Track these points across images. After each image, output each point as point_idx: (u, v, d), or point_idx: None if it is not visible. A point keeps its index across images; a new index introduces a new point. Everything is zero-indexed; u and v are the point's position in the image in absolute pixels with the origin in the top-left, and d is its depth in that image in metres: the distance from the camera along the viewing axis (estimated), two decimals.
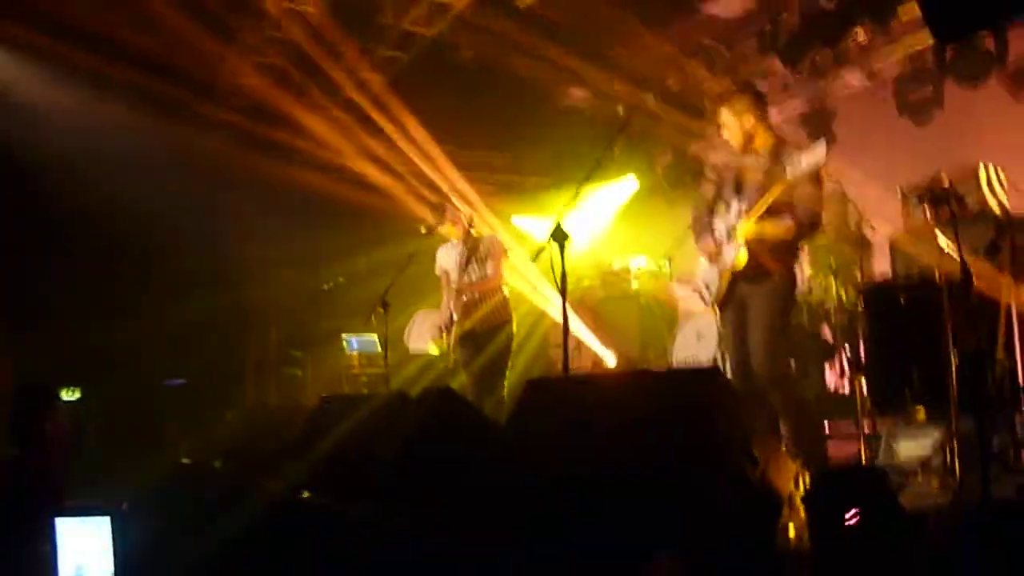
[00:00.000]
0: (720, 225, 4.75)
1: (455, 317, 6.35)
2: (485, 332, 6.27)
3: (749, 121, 4.68)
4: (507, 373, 6.29)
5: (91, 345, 8.00)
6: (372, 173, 10.76)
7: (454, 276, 6.43)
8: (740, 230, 4.59)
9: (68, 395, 7.95)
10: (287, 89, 9.35)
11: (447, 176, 10.35)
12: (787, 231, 4.54)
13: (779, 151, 4.58)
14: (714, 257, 4.75)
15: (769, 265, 4.57)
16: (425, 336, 7.54)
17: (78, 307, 8.35)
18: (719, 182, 4.83)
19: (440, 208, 6.52)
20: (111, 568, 2.96)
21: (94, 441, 7.36)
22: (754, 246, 4.57)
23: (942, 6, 4.42)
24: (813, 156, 4.27)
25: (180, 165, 8.87)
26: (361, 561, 2.96)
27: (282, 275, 9.76)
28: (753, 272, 4.59)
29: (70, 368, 8.02)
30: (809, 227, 4.60)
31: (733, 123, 4.72)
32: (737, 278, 4.65)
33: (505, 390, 6.21)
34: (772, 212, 4.53)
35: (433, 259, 6.66)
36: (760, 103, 4.83)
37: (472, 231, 6.47)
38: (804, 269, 6.31)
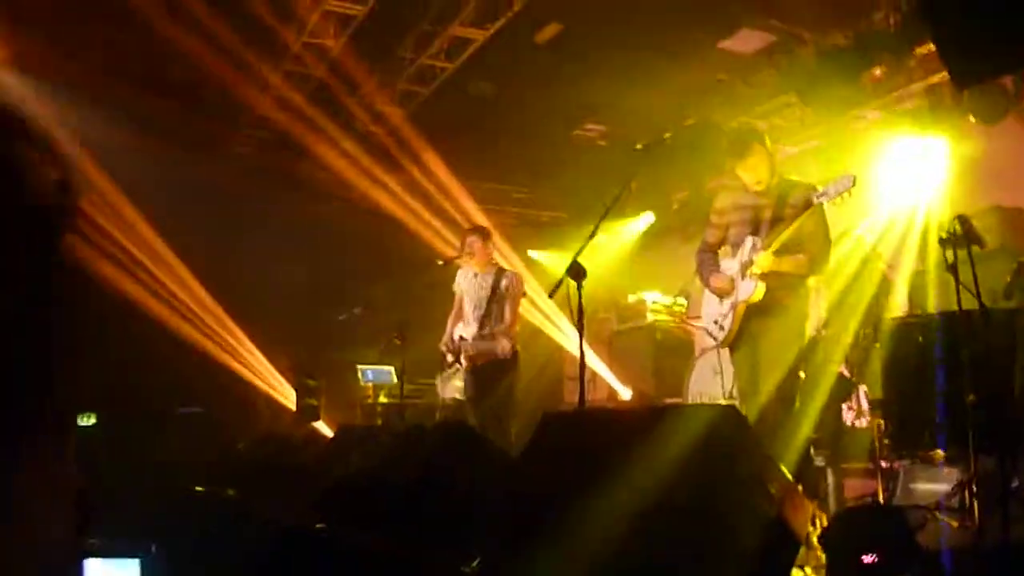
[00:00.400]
0: (732, 264, 4.79)
1: (460, 339, 6.37)
2: (493, 371, 6.28)
3: (776, 157, 4.77)
4: (513, 411, 6.29)
5: (106, 370, 8.02)
6: (390, 205, 10.84)
7: (468, 304, 6.43)
8: (759, 263, 4.62)
9: (84, 420, 7.97)
10: (307, 122, 9.44)
11: (465, 209, 10.42)
12: (799, 266, 4.64)
13: (787, 187, 4.71)
14: (726, 292, 4.76)
15: (784, 300, 4.63)
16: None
17: (92, 329, 8.38)
18: (726, 225, 4.90)
19: (463, 241, 6.55)
20: None
21: (107, 468, 7.37)
22: (769, 282, 4.63)
23: (961, 54, 4.46)
24: (843, 183, 4.40)
25: (199, 195, 8.95)
26: None
27: (298, 304, 9.81)
28: (767, 307, 4.65)
29: (85, 392, 8.04)
30: (821, 262, 4.71)
31: (766, 160, 4.75)
32: (751, 313, 4.68)
33: (513, 428, 6.21)
34: (785, 248, 4.61)
35: (449, 289, 6.68)
36: (762, 138, 4.92)
37: (496, 260, 6.51)
38: (820, 307, 6.29)
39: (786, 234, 4.55)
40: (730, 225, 4.87)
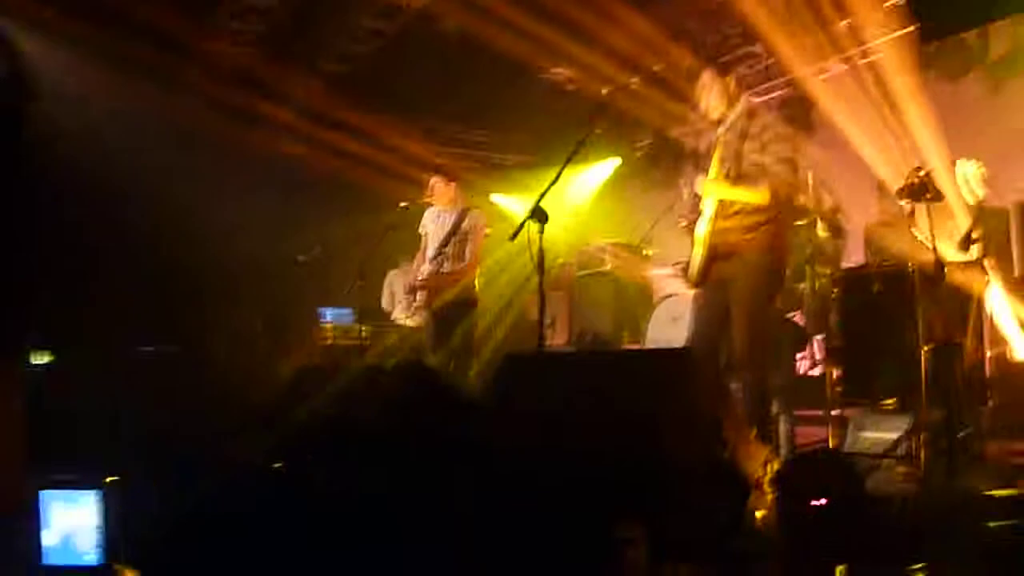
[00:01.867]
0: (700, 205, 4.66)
1: (422, 281, 6.36)
2: (454, 311, 6.27)
3: (731, 84, 4.58)
4: (473, 352, 6.31)
5: (62, 309, 7.92)
6: (352, 145, 10.70)
7: (434, 242, 6.41)
8: (701, 187, 4.46)
9: (39, 359, 7.87)
10: (267, 58, 9.26)
11: (428, 150, 10.31)
12: (761, 195, 4.37)
13: (754, 112, 4.56)
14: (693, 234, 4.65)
15: (744, 241, 4.43)
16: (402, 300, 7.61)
17: (50, 269, 8.25)
18: (706, 168, 4.75)
19: (426, 180, 6.50)
20: (98, 540, 2.96)
21: (63, 405, 7.30)
22: (732, 221, 4.45)
23: (931, 5, 4.46)
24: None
25: (157, 131, 8.77)
26: (332, 532, 2.97)
27: (258, 244, 9.69)
28: (730, 249, 4.46)
29: (39, 331, 7.93)
30: (785, 190, 4.42)
31: (717, 85, 4.57)
32: (715, 256, 4.49)
33: (473, 370, 6.22)
34: (745, 178, 4.41)
35: (413, 229, 6.65)
36: (731, 72, 4.76)
37: (459, 201, 6.47)
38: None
39: (716, 155, 4.39)
40: (707, 166, 4.70)
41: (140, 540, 2.84)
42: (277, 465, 3.52)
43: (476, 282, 6.36)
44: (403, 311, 6.80)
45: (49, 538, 3.01)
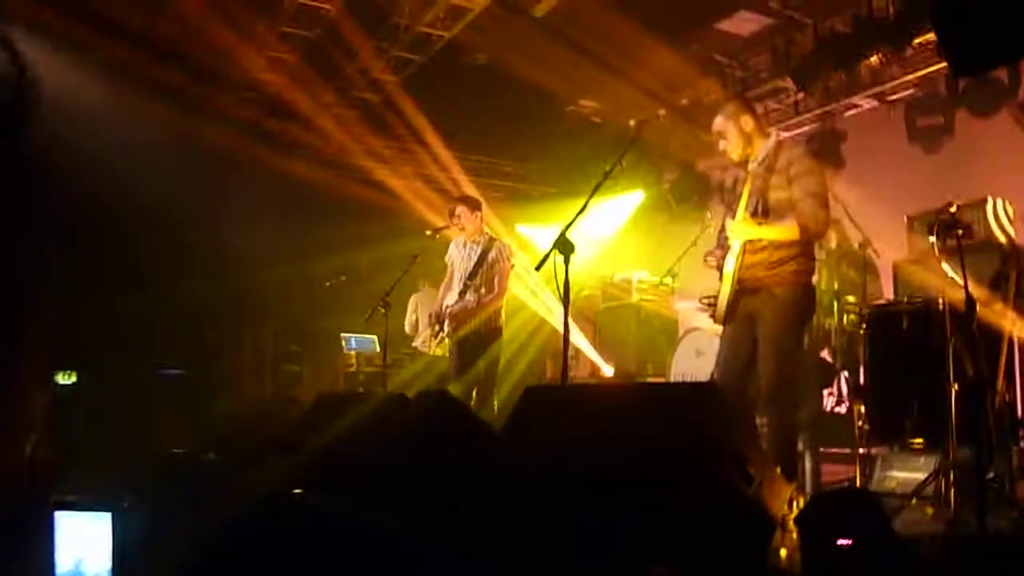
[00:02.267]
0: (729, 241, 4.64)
1: (445, 308, 6.36)
2: (478, 341, 6.26)
3: (748, 124, 4.54)
4: (497, 382, 6.28)
5: (89, 329, 7.99)
6: (380, 172, 10.79)
7: (459, 272, 6.42)
8: (732, 230, 4.42)
9: (64, 379, 7.93)
10: (299, 85, 9.36)
11: (455, 180, 10.38)
12: (790, 231, 4.33)
13: (781, 146, 4.50)
14: (719, 270, 4.62)
15: (772, 276, 4.40)
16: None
17: (77, 289, 8.33)
18: (732, 204, 4.63)
19: (451, 211, 6.52)
20: (109, 563, 2.95)
21: (87, 426, 7.35)
22: (759, 256, 4.42)
23: (961, 42, 4.42)
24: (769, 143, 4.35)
25: (187, 154, 8.88)
26: (349, 561, 2.95)
27: (283, 270, 9.75)
28: (758, 284, 4.42)
29: (67, 351, 8.00)
30: (815, 226, 4.37)
31: (731, 129, 4.56)
32: (742, 291, 4.46)
33: (495, 400, 6.20)
34: (775, 213, 4.38)
35: (438, 256, 6.66)
36: (751, 107, 4.75)
37: (486, 230, 6.48)
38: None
39: (745, 194, 4.35)
40: (732, 202, 4.62)
41: (152, 564, 2.83)
42: (297, 492, 3.51)
43: (502, 313, 6.34)
44: (426, 338, 6.79)
45: (62, 559, 3.00)
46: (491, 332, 6.27)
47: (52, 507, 2.95)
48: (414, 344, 8.19)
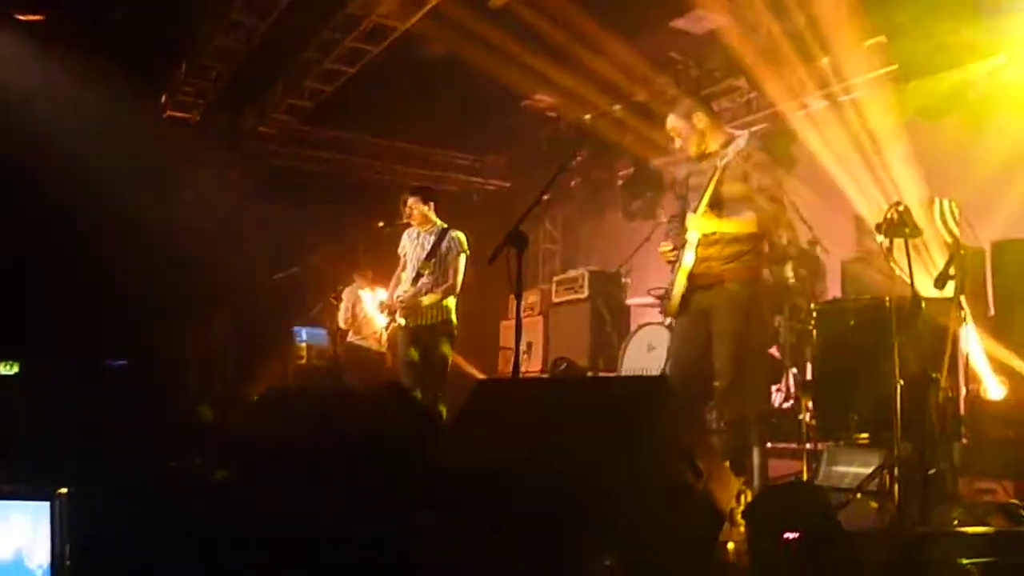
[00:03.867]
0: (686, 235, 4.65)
1: (398, 302, 6.30)
2: (430, 334, 6.22)
3: (702, 120, 4.57)
4: (446, 376, 6.25)
5: (31, 319, 7.83)
6: (331, 164, 10.69)
7: (412, 262, 6.36)
8: (691, 223, 4.44)
9: (5, 369, 7.75)
10: (250, 76, 9.25)
11: (408, 172, 10.33)
12: (749, 224, 4.41)
13: (735, 145, 4.47)
14: (673, 264, 4.64)
15: (725, 271, 4.43)
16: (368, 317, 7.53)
17: (21, 276, 8.16)
18: (684, 195, 4.70)
19: (403, 201, 6.45)
20: (49, 553, 2.87)
21: (28, 418, 7.18)
22: (712, 250, 4.45)
23: (910, 45, 4.49)
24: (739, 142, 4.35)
25: (139, 137, 8.73)
26: (296, 554, 2.91)
27: (236, 262, 9.62)
28: (712, 279, 4.45)
29: (8, 341, 7.83)
30: (772, 221, 4.47)
31: (684, 126, 4.59)
32: (695, 285, 4.49)
33: (446, 394, 6.17)
34: (729, 208, 4.43)
35: (388, 248, 6.61)
36: (706, 104, 4.80)
37: (437, 221, 6.41)
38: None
39: (709, 189, 4.37)
40: (687, 195, 4.66)
41: (89, 554, 2.76)
42: (221, 472, 3.46)
43: (453, 307, 6.29)
44: (375, 331, 6.72)
45: (2, 550, 2.92)
46: (442, 324, 6.22)
47: None
48: (349, 339, 8.02)
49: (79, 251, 8.66)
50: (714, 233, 4.45)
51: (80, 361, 8.02)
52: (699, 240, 4.46)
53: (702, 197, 4.44)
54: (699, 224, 4.44)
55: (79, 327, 8.15)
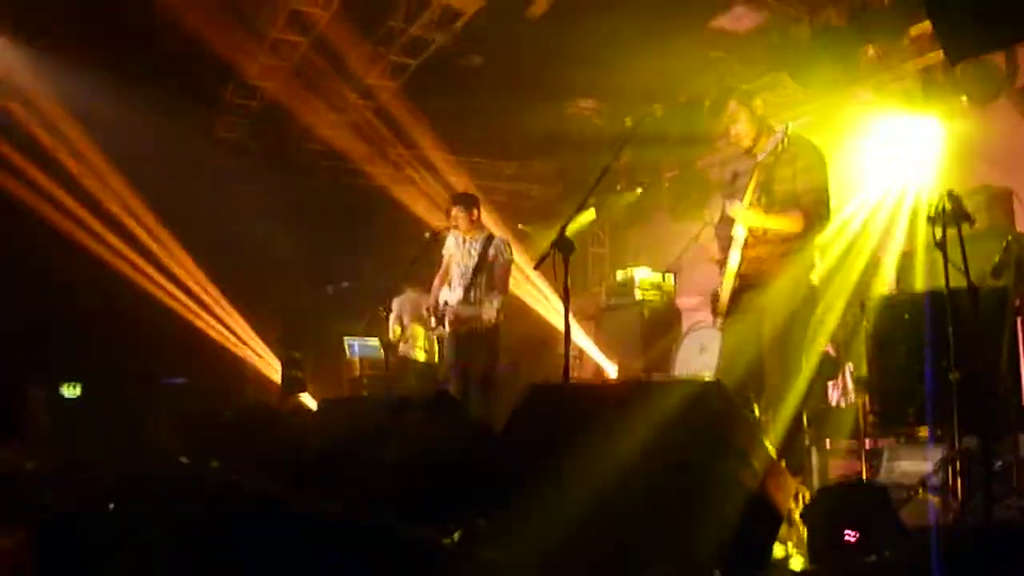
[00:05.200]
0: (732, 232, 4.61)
1: (444, 304, 6.30)
2: (476, 340, 6.24)
3: (760, 108, 4.56)
4: (497, 381, 6.25)
5: (93, 341, 8.02)
6: (380, 177, 10.78)
7: (456, 270, 6.38)
8: (737, 216, 4.42)
9: (69, 391, 7.95)
10: (296, 93, 9.35)
11: (455, 182, 10.38)
12: (794, 222, 4.39)
13: (787, 142, 4.46)
14: (721, 264, 4.62)
15: (776, 270, 4.41)
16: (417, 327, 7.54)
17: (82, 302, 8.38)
18: (732, 195, 4.64)
19: (447, 210, 6.49)
20: None
21: (91, 437, 7.36)
22: (762, 249, 4.44)
23: (955, 28, 4.41)
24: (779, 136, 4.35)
25: (189, 166, 8.92)
26: (352, 564, 2.94)
27: (287, 277, 9.76)
28: (761, 278, 4.43)
29: (72, 363, 8.04)
30: (817, 217, 4.42)
31: (744, 113, 4.56)
32: (745, 285, 4.48)
33: (496, 398, 6.18)
34: (779, 205, 4.41)
35: (437, 259, 6.64)
36: (756, 98, 4.74)
37: (485, 227, 6.43)
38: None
39: (752, 184, 4.36)
40: (735, 194, 4.61)
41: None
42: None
43: (502, 311, 6.30)
44: (417, 335, 6.75)
45: None
46: (490, 329, 6.23)
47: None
48: (401, 352, 8.04)
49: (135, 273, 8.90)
50: (764, 232, 4.44)
51: (140, 381, 8.21)
52: (747, 239, 4.43)
53: (746, 190, 4.43)
54: (745, 217, 4.43)
55: (139, 349, 8.34)
